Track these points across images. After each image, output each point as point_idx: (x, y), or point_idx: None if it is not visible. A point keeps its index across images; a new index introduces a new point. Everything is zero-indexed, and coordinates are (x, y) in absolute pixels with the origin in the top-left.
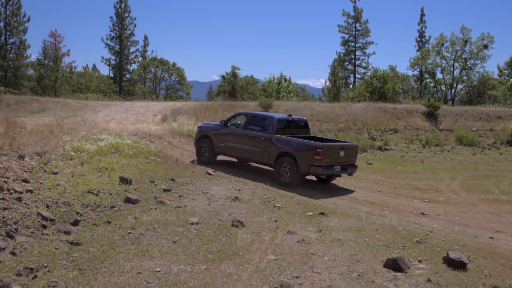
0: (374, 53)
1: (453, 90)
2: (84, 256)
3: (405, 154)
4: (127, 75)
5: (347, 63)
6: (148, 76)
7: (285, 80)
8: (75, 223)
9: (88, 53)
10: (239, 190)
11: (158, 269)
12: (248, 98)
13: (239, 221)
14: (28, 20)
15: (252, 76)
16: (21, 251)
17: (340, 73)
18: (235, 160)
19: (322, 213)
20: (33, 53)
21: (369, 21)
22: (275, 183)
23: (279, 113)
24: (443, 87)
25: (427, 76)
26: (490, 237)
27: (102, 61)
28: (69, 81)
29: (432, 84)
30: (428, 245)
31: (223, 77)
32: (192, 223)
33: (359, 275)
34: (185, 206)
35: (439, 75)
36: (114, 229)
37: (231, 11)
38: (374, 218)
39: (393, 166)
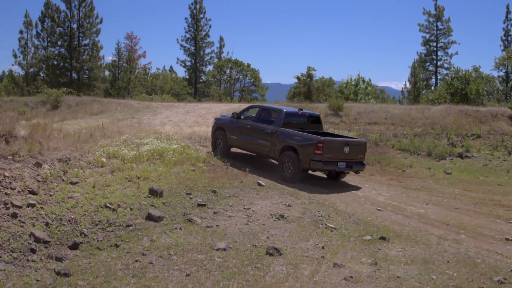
0: (456, 53)
1: None
2: None
3: (488, 162)
4: (203, 77)
5: (428, 63)
6: (222, 78)
7: (363, 81)
8: (74, 246)
9: (165, 54)
10: (288, 205)
11: None
12: (324, 100)
13: (276, 249)
14: (101, 22)
15: (331, 78)
16: None
17: (420, 74)
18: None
19: (383, 238)
20: (106, 55)
21: (451, 20)
22: (331, 200)
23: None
24: None
25: None
26: None
27: (177, 63)
28: (142, 83)
29: None
30: None
31: (298, 78)
32: (218, 249)
33: None
34: (217, 225)
35: None
36: (120, 255)
37: (310, 10)
38: (447, 245)
39: (474, 176)
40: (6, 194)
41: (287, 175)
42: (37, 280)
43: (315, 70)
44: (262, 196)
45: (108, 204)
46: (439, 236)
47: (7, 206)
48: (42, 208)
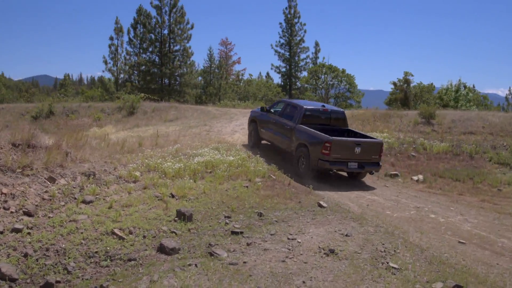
0: None
1: None
2: None
3: None
4: (297, 83)
5: None
6: (315, 83)
7: (465, 87)
8: (46, 287)
9: (260, 60)
10: (346, 235)
11: None
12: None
13: None
14: (192, 28)
15: (432, 84)
16: None
17: None
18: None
19: (459, 287)
20: (199, 61)
21: None
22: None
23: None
24: None
25: None
26: None
27: (271, 69)
28: (234, 89)
29: None
30: None
31: (394, 84)
32: None
33: None
34: (244, 262)
35: None
36: None
37: (410, 12)
38: None
39: None
40: None
41: (299, 171)
42: None
43: (412, 75)
44: (318, 222)
45: (116, 230)
46: None
47: None
48: (29, 234)
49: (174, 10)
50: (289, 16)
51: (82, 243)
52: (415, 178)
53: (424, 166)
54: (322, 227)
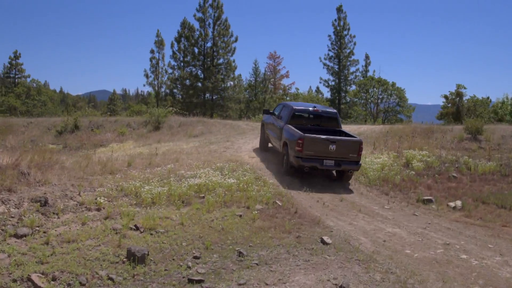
0: None
1: None
2: None
3: None
4: (347, 98)
5: None
6: (364, 96)
7: None
8: None
9: (309, 74)
10: (341, 286)
11: None
12: None
13: None
14: (236, 41)
15: (488, 98)
16: None
17: None
18: None
19: None
20: (245, 74)
21: None
22: None
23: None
24: None
25: None
26: None
27: (320, 82)
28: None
29: None
30: None
31: (446, 97)
32: None
33: None
34: None
35: None
36: None
37: (463, 24)
38: None
39: None
40: None
41: (283, 169)
42: None
43: (465, 88)
44: (311, 265)
45: (34, 276)
46: None
47: None
48: None
49: (218, 22)
50: (338, 28)
51: None
52: (452, 204)
53: (466, 190)
54: (314, 273)
